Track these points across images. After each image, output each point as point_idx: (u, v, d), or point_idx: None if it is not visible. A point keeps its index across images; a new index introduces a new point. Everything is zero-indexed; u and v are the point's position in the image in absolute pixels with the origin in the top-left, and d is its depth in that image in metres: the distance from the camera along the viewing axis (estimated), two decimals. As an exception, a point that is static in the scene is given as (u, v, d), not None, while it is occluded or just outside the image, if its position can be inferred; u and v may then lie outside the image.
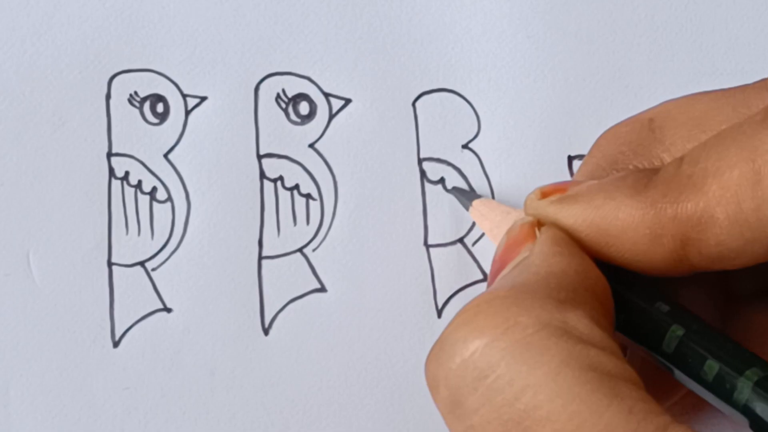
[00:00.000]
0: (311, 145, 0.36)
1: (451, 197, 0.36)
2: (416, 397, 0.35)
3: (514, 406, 0.24)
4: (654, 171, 0.27)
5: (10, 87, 0.36)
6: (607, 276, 0.27)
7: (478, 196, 0.35)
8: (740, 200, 0.25)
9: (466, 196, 0.36)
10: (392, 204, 0.36)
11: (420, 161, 0.36)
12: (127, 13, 0.37)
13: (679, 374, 0.27)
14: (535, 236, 0.28)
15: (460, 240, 0.36)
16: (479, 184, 0.36)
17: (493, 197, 0.36)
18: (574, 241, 0.27)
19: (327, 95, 0.36)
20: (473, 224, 0.36)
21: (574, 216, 0.27)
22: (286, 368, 0.35)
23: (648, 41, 0.37)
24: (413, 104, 0.36)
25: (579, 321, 0.25)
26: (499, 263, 0.29)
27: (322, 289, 0.36)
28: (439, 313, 0.35)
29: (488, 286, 0.29)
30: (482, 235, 0.36)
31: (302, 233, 0.36)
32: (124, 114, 0.36)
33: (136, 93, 0.36)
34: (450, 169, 0.36)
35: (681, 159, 0.27)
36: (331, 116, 0.36)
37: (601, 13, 0.37)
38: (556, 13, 0.37)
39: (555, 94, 0.37)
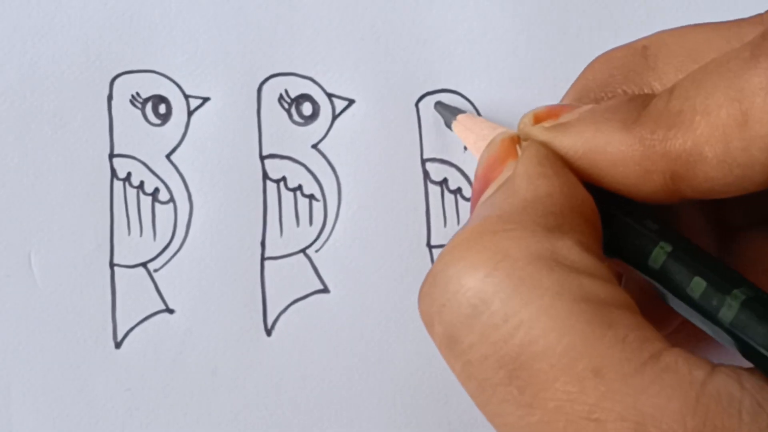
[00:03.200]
0: (314, 146, 0.36)
1: (451, 197, 0.36)
2: (418, 398, 0.35)
3: (510, 343, 0.24)
4: (644, 102, 0.27)
5: (12, 88, 0.36)
6: (596, 195, 0.27)
7: (463, 112, 0.35)
8: (728, 140, 0.25)
9: (450, 111, 0.35)
10: (395, 205, 0.36)
11: (423, 162, 0.36)
12: (129, 14, 0.37)
13: (671, 298, 0.27)
14: (516, 153, 0.28)
15: (463, 241, 0.36)
16: (481, 184, 0.36)
17: (495, 198, 0.36)
18: (558, 158, 0.27)
19: (330, 96, 0.36)
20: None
21: (566, 146, 0.27)
22: (288, 369, 0.35)
23: (649, 42, 0.37)
24: (416, 105, 0.36)
25: (569, 249, 0.25)
26: (482, 181, 0.28)
27: (325, 290, 0.36)
28: (442, 313, 0.35)
29: (472, 205, 0.28)
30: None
31: (305, 234, 0.36)
32: (126, 115, 0.36)
33: (138, 94, 0.36)
34: (453, 170, 0.36)
35: (670, 93, 0.27)
36: (334, 117, 0.36)
37: (601, 13, 0.37)
38: (557, 13, 0.37)
39: (556, 94, 0.37)
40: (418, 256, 0.36)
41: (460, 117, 0.35)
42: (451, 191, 0.36)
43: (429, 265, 0.36)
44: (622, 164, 0.27)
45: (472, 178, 0.36)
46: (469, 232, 0.25)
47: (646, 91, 0.29)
